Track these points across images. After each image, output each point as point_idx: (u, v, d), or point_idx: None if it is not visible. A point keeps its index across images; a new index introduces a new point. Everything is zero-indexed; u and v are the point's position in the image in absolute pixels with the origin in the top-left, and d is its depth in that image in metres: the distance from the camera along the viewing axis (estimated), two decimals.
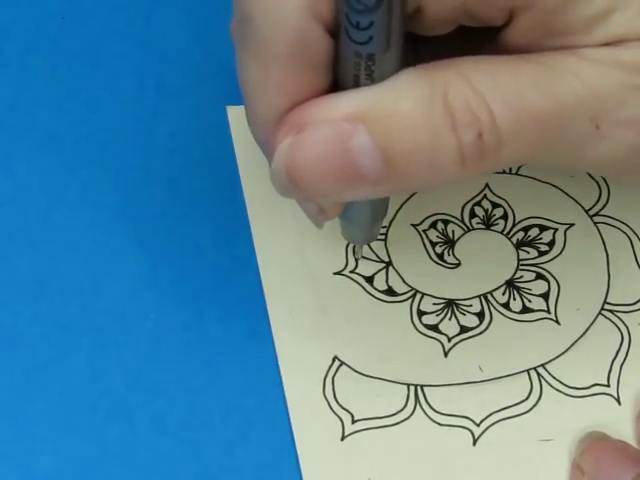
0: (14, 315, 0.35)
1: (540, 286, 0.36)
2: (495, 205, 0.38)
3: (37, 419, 0.33)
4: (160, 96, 0.41)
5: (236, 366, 0.34)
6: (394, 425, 0.33)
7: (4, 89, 0.40)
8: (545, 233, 0.38)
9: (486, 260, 0.37)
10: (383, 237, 0.37)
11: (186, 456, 0.33)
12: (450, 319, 0.35)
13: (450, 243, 0.37)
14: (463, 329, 0.35)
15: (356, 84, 0.26)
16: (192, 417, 0.33)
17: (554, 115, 0.26)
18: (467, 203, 0.38)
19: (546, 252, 0.37)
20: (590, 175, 0.39)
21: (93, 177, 0.38)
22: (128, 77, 0.41)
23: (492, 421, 0.33)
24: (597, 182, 0.39)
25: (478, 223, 0.38)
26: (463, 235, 0.37)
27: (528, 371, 0.34)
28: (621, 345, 0.35)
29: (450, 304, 0.36)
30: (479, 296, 0.36)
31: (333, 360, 0.34)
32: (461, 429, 0.33)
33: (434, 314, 0.36)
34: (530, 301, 0.36)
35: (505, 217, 0.38)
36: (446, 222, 0.38)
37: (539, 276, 0.37)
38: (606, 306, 0.36)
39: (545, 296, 0.36)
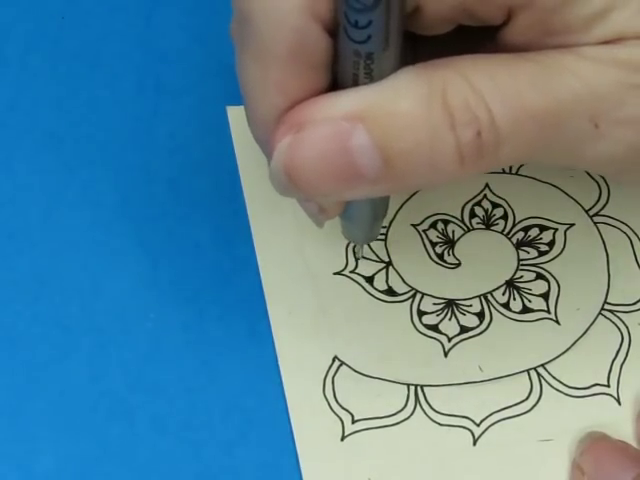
0: (14, 315, 0.35)
1: (540, 286, 0.36)
2: (495, 205, 0.38)
3: (37, 419, 0.33)
4: (160, 96, 0.41)
5: (236, 366, 0.34)
6: (394, 425, 0.33)
7: (4, 89, 0.40)
8: (545, 233, 0.38)
9: (486, 260, 0.37)
10: (383, 237, 0.37)
11: (186, 456, 0.33)
12: (450, 319, 0.35)
13: (450, 243, 0.37)
14: (463, 329, 0.35)
15: (355, 83, 0.26)
16: (192, 417, 0.33)
17: (553, 114, 0.26)
18: (467, 203, 0.38)
19: (546, 252, 0.37)
20: (590, 175, 0.39)
21: (93, 177, 0.38)
22: (128, 77, 0.41)
23: (492, 421, 0.33)
24: (597, 182, 0.39)
25: (478, 223, 0.38)
26: (463, 235, 0.37)
27: (528, 371, 0.34)
28: (621, 345, 0.35)
29: (450, 304, 0.36)
30: (479, 296, 0.36)
31: (333, 360, 0.34)
32: (461, 429, 0.33)
33: (434, 314, 0.36)
34: (530, 301, 0.36)
35: (505, 217, 0.38)
36: (446, 222, 0.38)
37: (539, 276, 0.36)
38: (606, 306, 0.36)
39: (545, 296, 0.36)
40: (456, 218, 0.38)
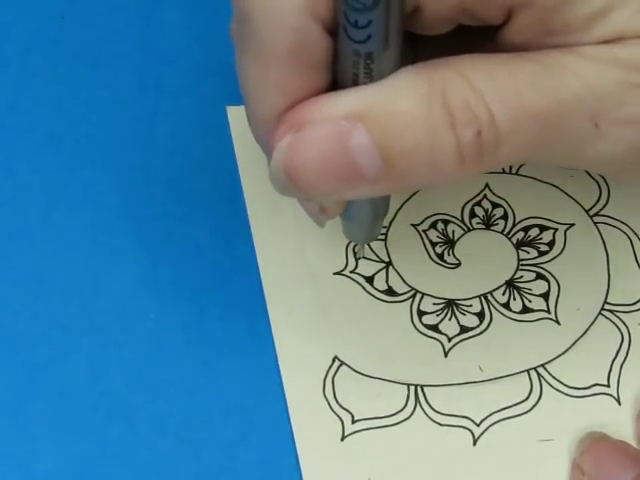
0: (14, 315, 0.35)
1: (540, 286, 0.36)
2: (495, 205, 0.38)
3: (37, 419, 0.33)
4: (160, 96, 0.41)
5: (236, 366, 0.34)
6: (394, 425, 0.33)
7: (4, 89, 0.41)
8: (545, 233, 0.38)
9: (486, 260, 0.37)
10: (383, 237, 0.37)
11: (186, 456, 0.33)
12: (450, 319, 0.35)
13: (450, 243, 0.37)
14: (463, 329, 0.35)
15: (355, 83, 0.26)
16: (192, 417, 0.33)
17: (553, 113, 0.26)
18: (467, 203, 0.38)
19: (546, 252, 0.37)
20: (590, 175, 0.39)
21: (93, 177, 0.38)
22: (128, 77, 0.41)
23: (492, 421, 0.33)
24: (597, 182, 0.39)
25: (478, 223, 0.38)
26: (463, 235, 0.37)
27: (528, 371, 0.34)
28: (621, 345, 0.35)
29: (450, 304, 0.36)
30: (479, 296, 0.36)
31: (333, 360, 0.34)
32: (461, 429, 0.33)
33: (434, 314, 0.36)
34: (530, 301, 0.36)
35: (505, 217, 0.38)
36: (446, 222, 0.38)
37: (539, 276, 0.36)
38: (606, 306, 0.36)
39: (545, 296, 0.36)
40: (456, 218, 0.38)
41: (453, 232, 0.37)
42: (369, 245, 0.37)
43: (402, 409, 0.34)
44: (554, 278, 0.36)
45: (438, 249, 0.37)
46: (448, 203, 0.38)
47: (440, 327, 0.35)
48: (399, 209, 0.38)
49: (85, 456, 0.32)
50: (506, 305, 0.36)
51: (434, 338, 0.35)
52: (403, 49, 0.26)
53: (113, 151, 0.39)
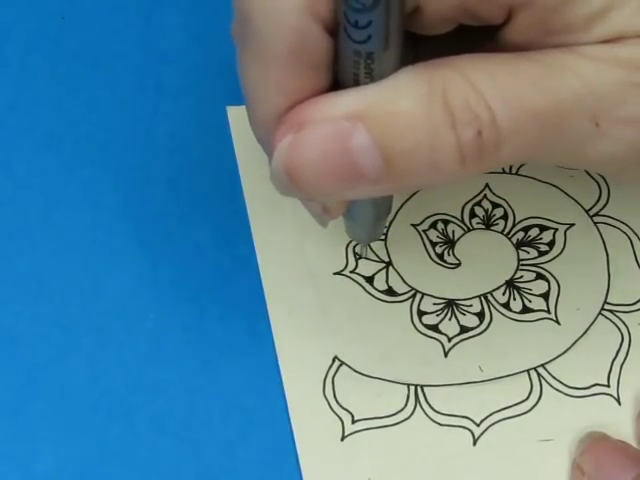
0: (14, 315, 0.35)
1: (540, 286, 0.36)
2: (495, 205, 0.38)
3: (37, 419, 0.33)
4: (160, 96, 0.41)
5: (236, 366, 0.34)
6: (394, 425, 0.33)
7: (4, 89, 0.41)
8: (545, 233, 0.38)
9: (486, 260, 0.37)
10: (383, 237, 0.37)
11: (186, 456, 0.33)
12: (450, 319, 0.35)
13: (450, 243, 0.37)
14: (463, 329, 0.35)
15: (356, 83, 0.26)
16: (192, 417, 0.33)
17: (553, 113, 0.26)
18: (467, 203, 0.38)
19: (546, 252, 0.37)
20: (590, 175, 0.39)
21: (93, 177, 0.38)
22: (128, 77, 0.41)
23: (492, 421, 0.33)
24: (597, 182, 0.39)
25: (478, 223, 0.38)
26: (463, 235, 0.37)
27: (528, 371, 0.34)
28: (621, 345, 0.35)
29: (450, 304, 0.36)
30: (479, 296, 0.36)
31: (333, 360, 0.34)
32: (461, 429, 0.33)
33: (434, 314, 0.36)
34: (530, 301, 0.36)
35: (505, 217, 0.38)
36: (446, 222, 0.38)
37: (539, 276, 0.36)
38: (606, 306, 0.36)
39: (545, 296, 0.36)
40: (456, 218, 0.38)
41: (453, 232, 0.37)
42: (369, 245, 0.37)
43: (402, 409, 0.34)
44: (554, 278, 0.36)
45: (438, 249, 0.37)
46: (448, 203, 0.38)
47: (440, 327, 0.35)
48: (399, 209, 0.38)
49: (85, 456, 0.32)
50: (506, 305, 0.36)
51: (434, 338, 0.35)
52: (403, 49, 0.26)
53: (113, 151, 0.39)
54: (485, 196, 0.38)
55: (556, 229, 0.38)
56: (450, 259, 0.37)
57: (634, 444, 0.33)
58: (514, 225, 0.38)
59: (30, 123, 0.40)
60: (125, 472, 0.32)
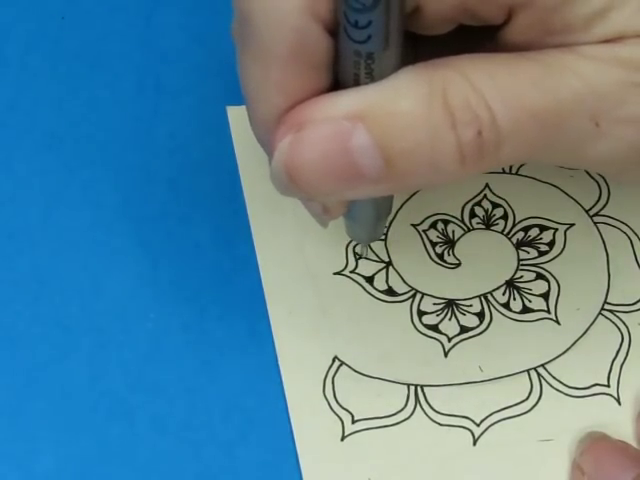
0: (14, 315, 0.35)
1: (540, 286, 0.36)
2: (495, 205, 0.38)
3: (37, 419, 0.33)
4: (160, 96, 0.41)
5: (236, 366, 0.34)
6: (394, 425, 0.33)
7: (4, 89, 0.41)
8: (545, 233, 0.38)
9: (486, 260, 0.37)
10: (383, 237, 0.37)
11: (186, 456, 0.33)
12: (450, 319, 0.35)
13: (450, 243, 0.37)
14: (463, 329, 0.35)
15: (356, 83, 0.26)
16: (192, 417, 0.33)
17: (553, 113, 0.26)
18: (467, 203, 0.38)
19: (546, 252, 0.37)
20: (590, 175, 0.39)
21: (93, 177, 0.38)
22: (128, 77, 0.41)
23: (492, 421, 0.33)
24: (597, 182, 0.39)
25: (478, 223, 0.38)
26: (463, 235, 0.37)
27: (528, 371, 0.34)
28: (621, 345, 0.35)
29: (450, 304, 0.36)
30: (479, 296, 0.36)
31: (333, 360, 0.34)
32: (461, 429, 0.33)
33: (434, 314, 0.36)
34: (530, 301, 0.36)
35: (505, 217, 0.38)
36: (446, 222, 0.38)
37: (539, 276, 0.36)
38: (606, 306, 0.36)
39: (545, 296, 0.36)
40: (456, 218, 0.38)
41: (453, 232, 0.37)
42: (369, 245, 0.37)
43: (402, 409, 0.34)
44: (554, 278, 0.36)
45: (438, 249, 0.37)
46: (448, 203, 0.38)
47: (440, 327, 0.35)
48: (399, 209, 0.38)
49: (85, 456, 0.32)
50: (506, 305, 0.36)
51: (434, 338, 0.35)
52: (403, 49, 0.26)
53: (113, 151, 0.39)
54: (485, 196, 0.38)
55: (556, 229, 0.38)
56: (450, 259, 0.37)
57: (634, 444, 0.33)
58: (514, 225, 0.38)
59: (30, 123, 0.40)
60: (125, 472, 0.32)
